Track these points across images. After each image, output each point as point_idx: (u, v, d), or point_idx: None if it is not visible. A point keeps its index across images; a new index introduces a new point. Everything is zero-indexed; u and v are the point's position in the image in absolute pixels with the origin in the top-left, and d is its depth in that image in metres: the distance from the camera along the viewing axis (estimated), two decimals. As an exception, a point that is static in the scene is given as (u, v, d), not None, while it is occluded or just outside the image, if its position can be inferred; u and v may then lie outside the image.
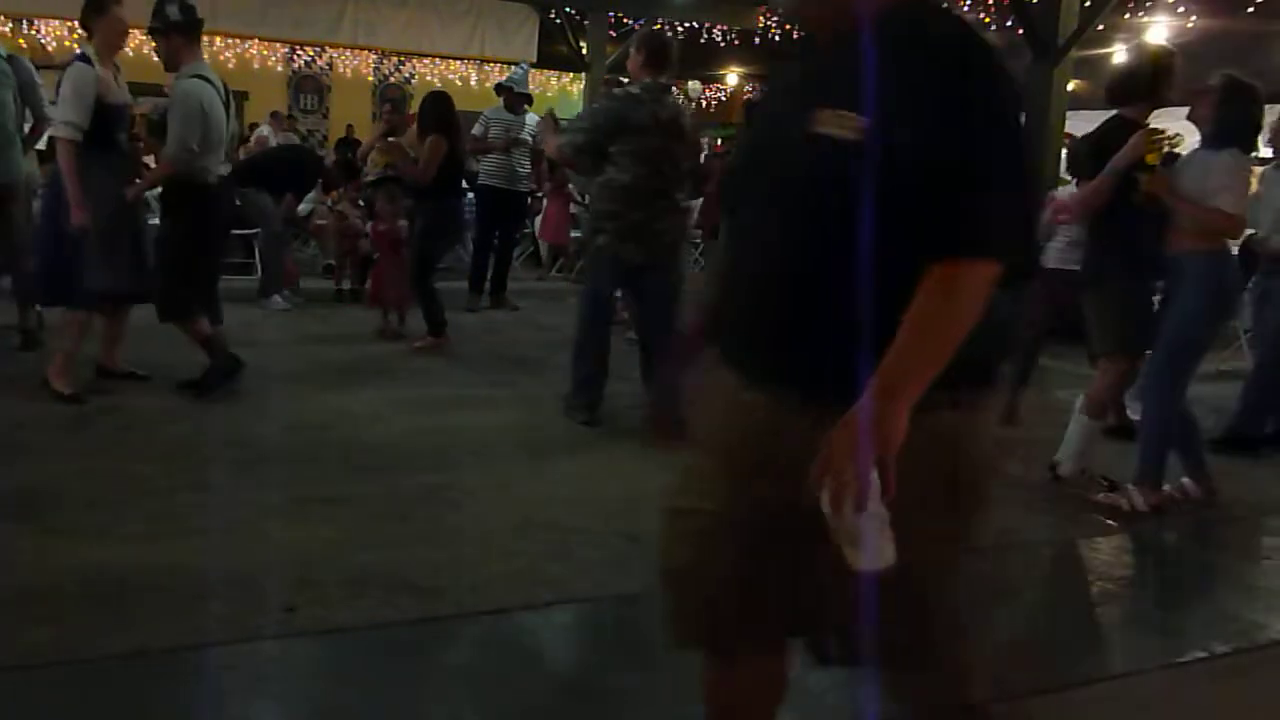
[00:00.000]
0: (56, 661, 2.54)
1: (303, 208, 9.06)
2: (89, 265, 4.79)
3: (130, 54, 16.06)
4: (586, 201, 7.10)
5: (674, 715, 2.50)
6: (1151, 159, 4.04)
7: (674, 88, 5.07)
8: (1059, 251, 5.36)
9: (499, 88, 8.74)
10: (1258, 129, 4.28)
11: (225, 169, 5.13)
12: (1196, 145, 4.26)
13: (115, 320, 5.23)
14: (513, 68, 8.94)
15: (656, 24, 15.44)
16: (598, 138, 4.91)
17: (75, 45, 9.83)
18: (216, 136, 4.92)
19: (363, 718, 2.43)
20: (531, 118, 8.48)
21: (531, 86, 11.98)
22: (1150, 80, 4.19)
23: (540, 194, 10.15)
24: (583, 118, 5.42)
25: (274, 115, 14.61)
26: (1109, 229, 4.21)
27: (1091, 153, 4.21)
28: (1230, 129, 4.09)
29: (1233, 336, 7.26)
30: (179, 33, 4.90)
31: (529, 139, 8.36)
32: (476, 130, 8.42)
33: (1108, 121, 4.26)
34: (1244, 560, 3.88)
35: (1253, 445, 5.11)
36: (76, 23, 5.15)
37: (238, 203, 8.13)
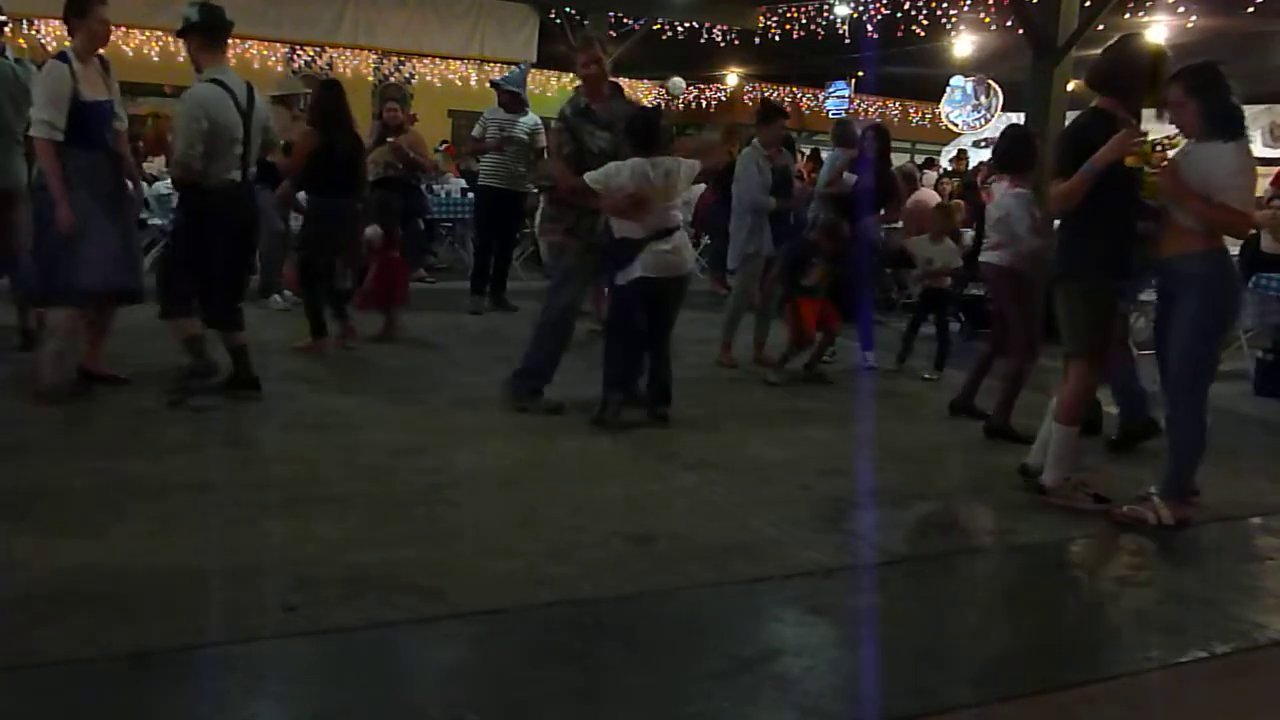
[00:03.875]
0: (56, 661, 2.54)
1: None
2: (72, 263, 4.75)
3: (130, 53, 16.00)
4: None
5: (674, 715, 2.50)
6: (1132, 162, 3.91)
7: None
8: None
9: (493, 84, 8.72)
10: (1239, 110, 3.98)
11: (236, 174, 4.93)
12: (1191, 142, 4.09)
13: (99, 321, 5.16)
14: (512, 68, 8.90)
15: (656, 24, 15.48)
16: None
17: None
18: (225, 142, 4.83)
19: (363, 718, 2.42)
20: (532, 118, 8.46)
21: (531, 86, 11.97)
22: (1128, 74, 4.06)
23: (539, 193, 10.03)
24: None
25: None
26: (1078, 227, 4.10)
27: (1069, 148, 4.05)
28: (1216, 118, 3.89)
29: (1231, 336, 7.24)
30: (197, 33, 4.87)
31: (525, 138, 8.33)
32: (475, 131, 8.43)
33: (1083, 114, 4.13)
34: (1243, 561, 3.88)
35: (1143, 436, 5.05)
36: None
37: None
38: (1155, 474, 4.67)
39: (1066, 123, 7.84)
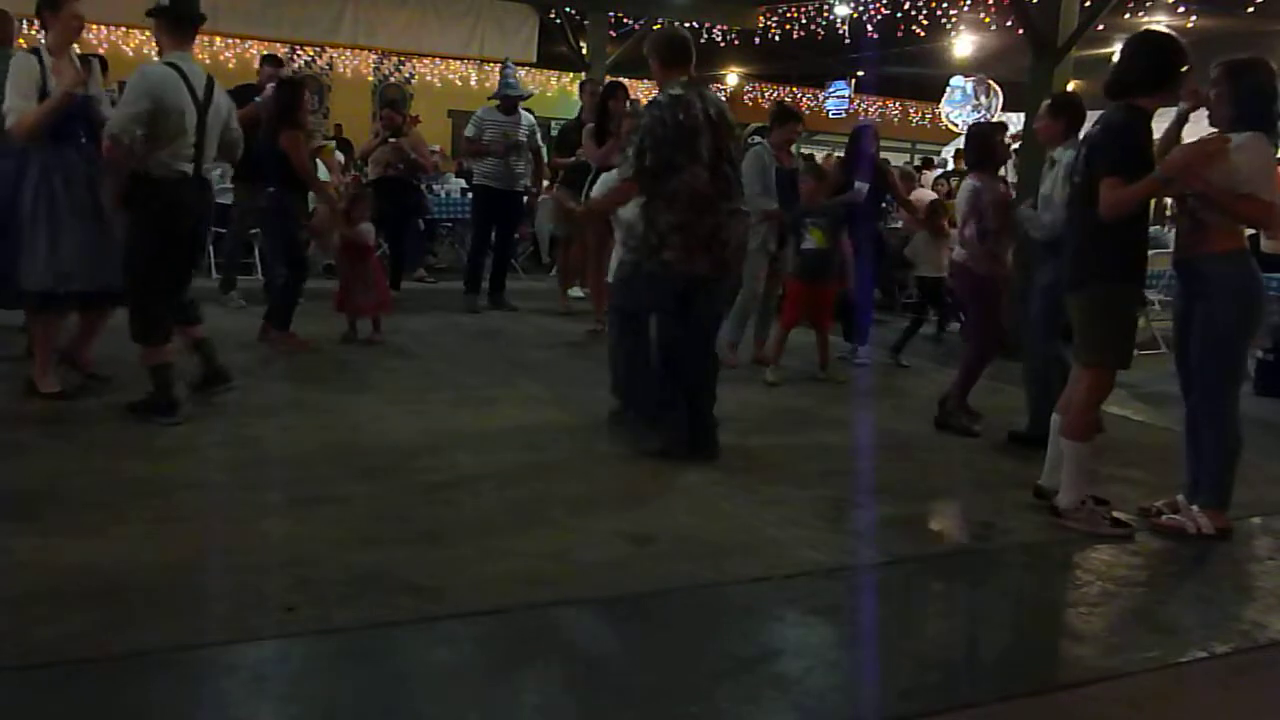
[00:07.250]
0: (56, 661, 2.54)
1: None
2: (26, 263, 4.64)
3: (130, 53, 15.95)
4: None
5: (674, 715, 2.50)
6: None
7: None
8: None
9: (502, 98, 8.44)
10: (1273, 106, 3.79)
11: (186, 166, 4.63)
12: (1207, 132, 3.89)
13: (89, 318, 5.10)
14: (506, 75, 8.63)
15: (656, 24, 15.48)
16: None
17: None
18: (174, 128, 4.54)
19: (363, 718, 2.42)
20: (526, 117, 8.42)
21: (531, 86, 11.95)
22: (1170, 68, 3.77)
23: (539, 193, 9.97)
24: None
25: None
26: (1097, 233, 3.81)
27: (1138, 149, 3.72)
28: (1246, 110, 3.75)
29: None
30: (161, 17, 4.68)
31: (524, 140, 8.31)
32: (469, 131, 8.35)
33: (1122, 112, 3.76)
34: (1243, 560, 3.87)
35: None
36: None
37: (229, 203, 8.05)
38: (1152, 475, 4.68)
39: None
